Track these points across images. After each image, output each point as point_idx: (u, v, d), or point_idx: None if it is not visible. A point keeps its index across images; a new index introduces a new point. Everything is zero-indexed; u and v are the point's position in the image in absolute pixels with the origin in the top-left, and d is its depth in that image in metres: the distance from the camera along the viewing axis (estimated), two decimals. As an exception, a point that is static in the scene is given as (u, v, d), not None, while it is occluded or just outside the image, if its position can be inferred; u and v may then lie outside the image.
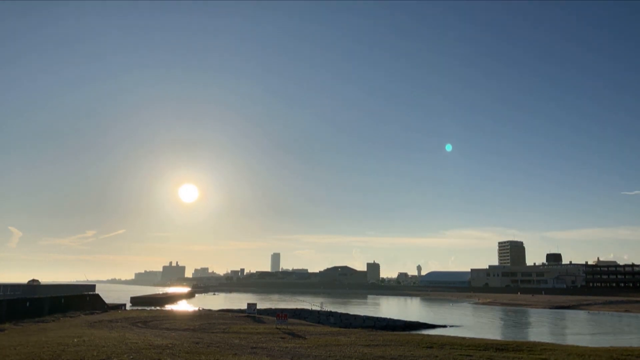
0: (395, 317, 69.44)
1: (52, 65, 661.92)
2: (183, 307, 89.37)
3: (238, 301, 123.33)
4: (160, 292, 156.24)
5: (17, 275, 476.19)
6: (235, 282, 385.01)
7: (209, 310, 67.07)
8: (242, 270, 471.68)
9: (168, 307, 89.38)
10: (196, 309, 71.33)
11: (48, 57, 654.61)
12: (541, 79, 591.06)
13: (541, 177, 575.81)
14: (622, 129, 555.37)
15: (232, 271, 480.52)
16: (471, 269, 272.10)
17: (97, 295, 68.92)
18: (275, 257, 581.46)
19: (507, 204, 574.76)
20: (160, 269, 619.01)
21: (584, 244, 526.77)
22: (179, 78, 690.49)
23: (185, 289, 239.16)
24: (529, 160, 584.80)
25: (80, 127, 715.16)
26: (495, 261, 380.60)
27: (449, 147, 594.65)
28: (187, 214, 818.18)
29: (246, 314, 51.14)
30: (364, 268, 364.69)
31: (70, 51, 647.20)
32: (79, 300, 62.08)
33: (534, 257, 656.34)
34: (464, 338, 30.92)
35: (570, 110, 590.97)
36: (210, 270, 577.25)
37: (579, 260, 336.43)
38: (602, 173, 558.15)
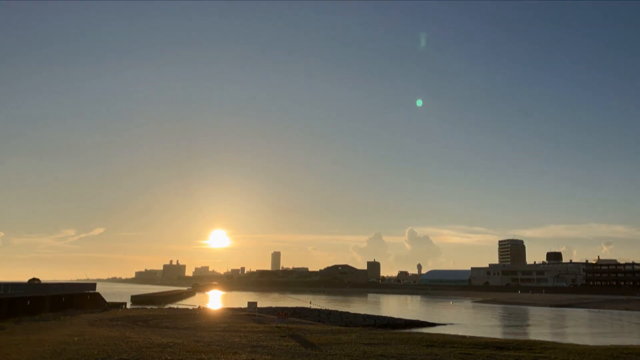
0: (396, 316, 69.33)
1: (43, 62, 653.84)
2: (183, 305, 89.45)
3: (238, 300, 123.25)
4: (161, 291, 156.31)
5: (15, 274, 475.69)
6: (235, 280, 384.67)
7: (210, 308, 67.21)
8: (243, 269, 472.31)
9: (169, 305, 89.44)
10: (196, 307, 71.48)
11: (45, 54, 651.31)
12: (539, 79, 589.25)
13: (541, 177, 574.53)
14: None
15: (232, 270, 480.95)
16: (471, 268, 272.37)
17: (98, 294, 69.09)
18: (276, 256, 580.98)
19: (507, 203, 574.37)
20: (161, 268, 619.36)
21: (585, 241, 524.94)
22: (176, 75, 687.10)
23: (185, 288, 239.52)
24: (528, 160, 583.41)
25: (70, 127, 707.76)
26: (495, 260, 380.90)
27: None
28: (187, 213, 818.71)
29: (246, 313, 51.13)
30: (364, 267, 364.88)
31: (71, 50, 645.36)
32: (79, 298, 62.21)
33: (534, 255, 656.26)
34: (464, 336, 30.91)
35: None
36: (210, 269, 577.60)
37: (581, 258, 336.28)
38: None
